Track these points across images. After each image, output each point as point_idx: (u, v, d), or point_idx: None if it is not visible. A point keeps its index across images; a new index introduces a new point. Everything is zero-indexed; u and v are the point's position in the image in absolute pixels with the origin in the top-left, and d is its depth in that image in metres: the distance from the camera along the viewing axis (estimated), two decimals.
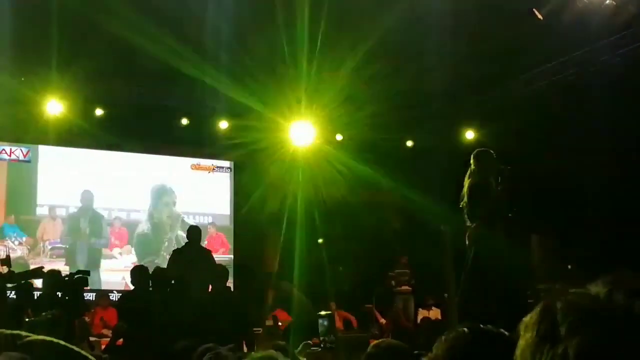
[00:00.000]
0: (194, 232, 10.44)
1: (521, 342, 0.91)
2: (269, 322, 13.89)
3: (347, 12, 12.24)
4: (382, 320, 13.96)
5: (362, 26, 12.65)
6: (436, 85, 14.85)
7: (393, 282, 14.83)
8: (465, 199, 7.53)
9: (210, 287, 9.99)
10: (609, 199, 13.72)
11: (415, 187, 16.40)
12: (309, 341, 4.64)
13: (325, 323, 5.28)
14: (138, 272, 9.58)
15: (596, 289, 0.89)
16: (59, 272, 8.67)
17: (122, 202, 16.04)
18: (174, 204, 16.26)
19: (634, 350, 0.80)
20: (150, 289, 9.17)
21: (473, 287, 7.00)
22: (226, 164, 16.87)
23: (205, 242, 15.67)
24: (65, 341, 1.08)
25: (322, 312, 6.53)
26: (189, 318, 8.39)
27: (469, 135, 16.08)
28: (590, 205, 14.21)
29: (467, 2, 11.62)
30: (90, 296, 14.56)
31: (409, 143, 17.10)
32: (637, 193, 14.17)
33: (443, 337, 1.41)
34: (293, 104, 15.57)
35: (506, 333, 1.47)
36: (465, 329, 1.41)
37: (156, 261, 14.98)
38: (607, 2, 11.10)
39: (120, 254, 15.74)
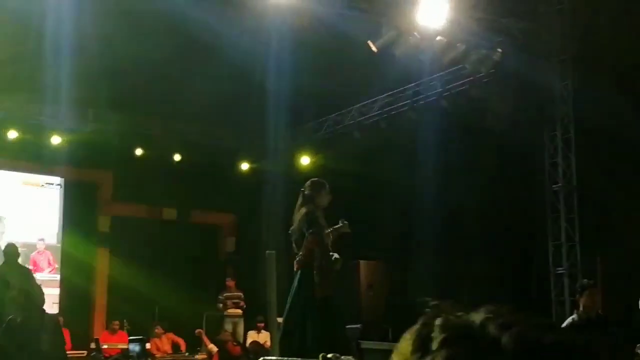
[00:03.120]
0: (10, 250, 9.97)
1: (398, 350, 0.97)
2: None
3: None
4: (211, 346, 13.87)
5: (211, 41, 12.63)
6: (277, 111, 15.09)
7: (221, 305, 14.80)
8: (296, 225, 7.58)
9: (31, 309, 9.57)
10: (439, 221, 14.27)
11: (248, 210, 16.50)
12: None
13: (137, 348, 5.15)
14: None
15: (476, 315, 0.95)
16: None
17: None
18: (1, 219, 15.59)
19: None
20: None
21: (302, 314, 7.06)
22: (56, 180, 16.31)
23: (31, 259, 15.15)
24: None
25: (134, 337, 6.37)
26: (9, 340, 8.05)
27: (305, 160, 16.31)
28: (419, 229, 14.72)
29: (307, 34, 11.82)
30: None
31: (245, 166, 17.07)
32: (462, 215, 14.85)
33: None
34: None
35: None
36: None
37: None
38: (438, 38, 11.56)
39: None
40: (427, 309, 0.98)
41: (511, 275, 16.51)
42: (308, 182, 7.78)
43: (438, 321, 0.94)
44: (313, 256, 7.30)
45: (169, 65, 13.54)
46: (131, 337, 6.86)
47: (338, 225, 7.60)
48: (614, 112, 12.93)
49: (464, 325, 0.93)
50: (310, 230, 7.35)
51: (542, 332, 0.91)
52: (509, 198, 14.92)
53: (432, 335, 0.93)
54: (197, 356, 13.91)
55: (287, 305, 7.14)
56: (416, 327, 0.97)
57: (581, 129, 12.54)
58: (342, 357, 2.38)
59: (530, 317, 0.94)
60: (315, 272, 7.25)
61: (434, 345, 0.92)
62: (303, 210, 7.54)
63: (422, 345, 0.94)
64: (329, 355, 2.33)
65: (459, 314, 0.97)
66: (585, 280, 8.07)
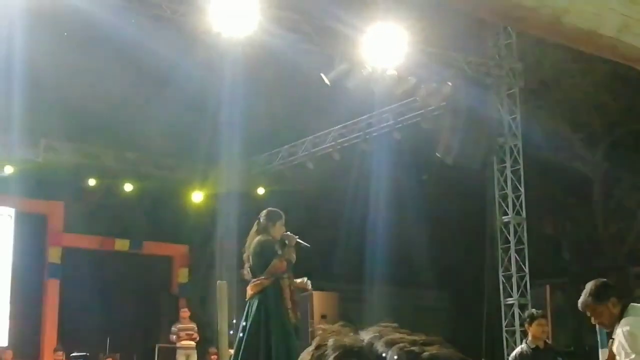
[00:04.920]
0: None
1: None
2: None
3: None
4: None
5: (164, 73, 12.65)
6: (231, 142, 15.13)
7: (174, 337, 14.64)
8: (251, 252, 7.53)
9: None
10: (392, 252, 14.39)
11: (201, 241, 16.45)
12: None
13: None
14: None
15: (365, 335, 1.05)
16: None
17: None
18: None
19: None
20: None
21: (248, 341, 7.04)
22: (8, 210, 16.06)
23: None
24: None
25: (77, 354, 6.29)
26: None
27: (260, 191, 16.34)
28: (373, 260, 14.82)
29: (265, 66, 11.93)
30: None
31: (197, 197, 16.91)
32: (414, 246, 15.00)
33: None
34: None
35: None
36: None
37: None
38: (389, 71, 11.72)
39: None
40: (320, 332, 1.08)
41: (463, 306, 16.70)
42: (264, 211, 7.56)
43: (330, 342, 1.05)
44: (277, 282, 7.19)
45: (122, 96, 13.52)
46: (73, 354, 6.73)
47: (288, 242, 7.39)
48: (562, 145, 13.23)
49: (353, 344, 1.04)
50: (280, 253, 7.19)
51: (422, 347, 1.01)
52: (461, 229, 15.14)
53: (326, 354, 1.03)
54: None
55: (245, 334, 7.02)
56: (311, 348, 1.07)
57: (530, 161, 12.77)
58: None
59: (412, 334, 1.04)
60: (286, 298, 7.15)
61: None
62: (257, 238, 7.40)
63: None
64: None
65: (350, 334, 1.07)
66: (533, 310, 8.19)
